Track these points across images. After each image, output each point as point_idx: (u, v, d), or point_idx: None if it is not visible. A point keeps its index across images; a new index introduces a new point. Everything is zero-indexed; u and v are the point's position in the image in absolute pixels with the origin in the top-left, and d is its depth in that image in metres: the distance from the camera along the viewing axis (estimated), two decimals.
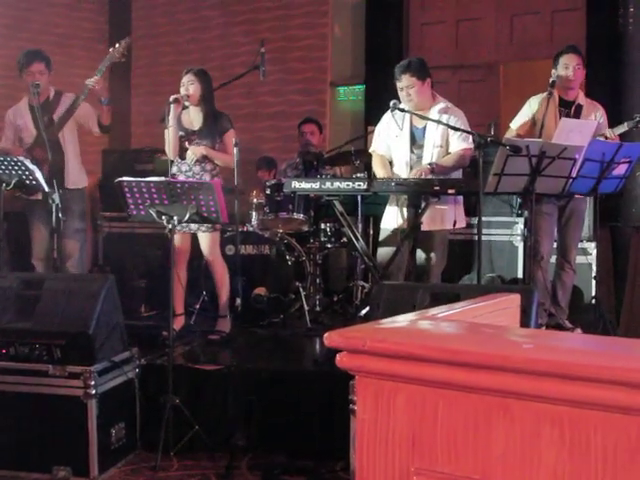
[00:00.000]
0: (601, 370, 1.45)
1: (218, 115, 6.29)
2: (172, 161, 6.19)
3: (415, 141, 5.90)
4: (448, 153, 5.86)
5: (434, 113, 5.84)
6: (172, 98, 6.04)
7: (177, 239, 6.16)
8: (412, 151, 5.88)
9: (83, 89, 6.40)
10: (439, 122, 5.74)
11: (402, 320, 1.87)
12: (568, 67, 6.21)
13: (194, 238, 6.29)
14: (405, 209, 5.83)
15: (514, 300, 2.37)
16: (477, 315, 2.09)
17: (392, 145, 5.98)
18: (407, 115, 5.86)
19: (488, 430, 1.57)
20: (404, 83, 5.78)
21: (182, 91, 6.16)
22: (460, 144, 5.83)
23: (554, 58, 6.34)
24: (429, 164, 5.72)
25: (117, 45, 6.39)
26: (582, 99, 6.33)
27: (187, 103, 6.21)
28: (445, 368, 1.57)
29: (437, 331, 1.78)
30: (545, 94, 6.33)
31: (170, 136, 6.15)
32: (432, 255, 5.88)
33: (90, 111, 6.64)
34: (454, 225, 5.85)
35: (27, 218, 6.77)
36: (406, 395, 1.65)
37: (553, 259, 6.44)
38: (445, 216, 5.82)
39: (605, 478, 1.47)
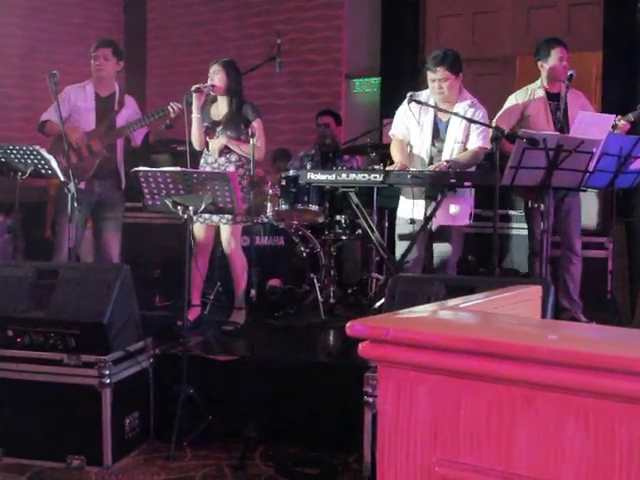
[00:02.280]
0: (627, 361, 1.44)
1: (243, 105, 6.25)
2: (201, 152, 6.23)
3: (438, 134, 5.86)
4: (466, 149, 5.83)
5: (460, 108, 5.79)
6: (194, 87, 6.01)
7: (199, 231, 6.17)
8: (433, 144, 5.85)
9: (163, 108, 6.33)
10: (463, 117, 5.70)
11: (425, 310, 1.85)
12: (562, 59, 6.19)
13: (217, 230, 6.29)
14: (421, 201, 5.80)
15: (535, 292, 2.36)
16: (498, 306, 2.08)
17: (413, 132, 5.93)
18: (431, 108, 5.82)
19: (512, 421, 1.56)
20: (439, 75, 5.70)
21: (209, 81, 6.15)
22: (477, 142, 5.79)
23: (539, 51, 6.30)
24: (446, 161, 5.68)
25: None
26: (564, 89, 6.26)
27: (213, 94, 6.19)
28: (469, 358, 1.56)
29: (460, 321, 1.77)
30: (530, 87, 6.36)
31: (194, 126, 6.13)
32: (448, 247, 5.86)
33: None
34: (470, 218, 5.85)
35: (57, 209, 6.73)
36: (429, 385, 1.63)
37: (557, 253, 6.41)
38: (460, 212, 5.79)
39: (630, 470, 1.46)
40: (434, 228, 5.82)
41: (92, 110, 6.48)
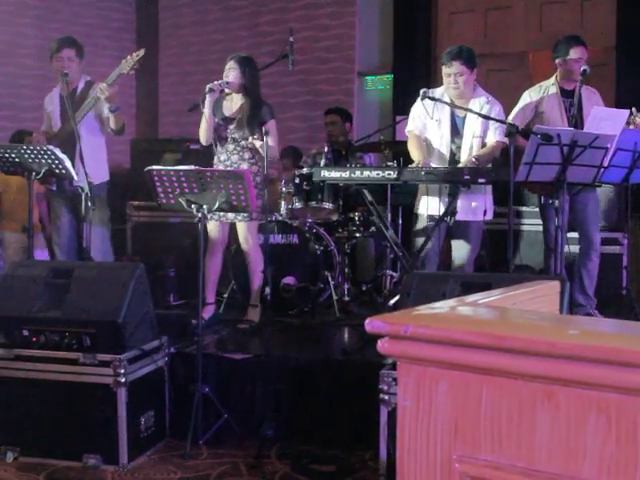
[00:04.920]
0: None
1: (260, 105, 6.23)
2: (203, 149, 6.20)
3: (457, 131, 5.86)
4: (484, 144, 5.82)
5: (475, 104, 5.80)
6: (207, 88, 5.97)
7: (213, 229, 6.16)
8: (453, 141, 5.84)
9: (93, 96, 6.28)
10: (479, 114, 5.69)
11: (444, 306, 1.84)
12: (580, 59, 6.14)
13: (231, 228, 6.29)
14: (443, 197, 5.78)
15: (553, 287, 2.34)
16: (516, 302, 2.06)
17: (431, 128, 5.93)
18: (448, 102, 5.82)
19: (533, 417, 1.55)
20: (454, 70, 5.72)
21: (224, 77, 6.11)
22: (495, 136, 5.80)
23: (557, 47, 6.25)
24: (474, 157, 5.67)
25: (129, 57, 6.23)
26: (579, 86, 6.23)
27: (227, 90, 6.16)
28: (489, 354, 1.55)
29: (480, 317, 1.75)
30: (544, 84, 6.32)
31: (203, 122, 6.11)
32: (467, 244, 5.85)
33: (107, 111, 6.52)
34: (485, 214, 5.83)
35: (49, 205, 6.88)
36: (449, 381, 1.62)
37: (575, 248, 6.37)
38: (480, 207, 5.78)
39: None
40: (452, 224, 5.81)
41: (57, 111, 6.49)
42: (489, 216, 5.92)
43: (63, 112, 6.43)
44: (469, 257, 5.89)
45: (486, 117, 5.69)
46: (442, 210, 5.76)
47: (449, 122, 5.86)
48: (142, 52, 6.18)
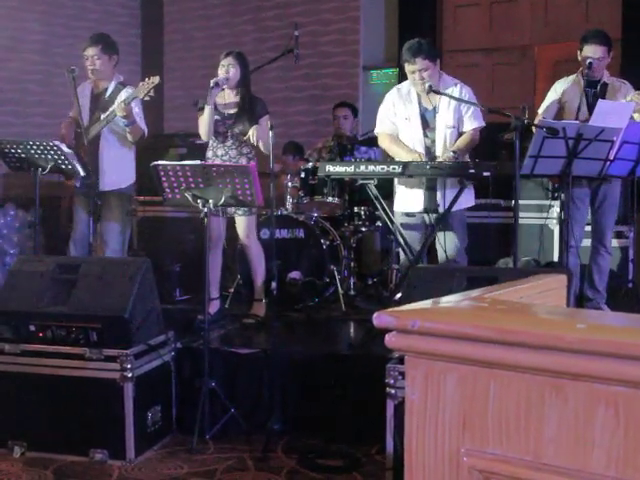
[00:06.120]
0: None
1: (254, 100, 6.23)
2: (207, 144, 6.15)
3: (427, 124, 5.82)
4: (461, 133, 5.80)
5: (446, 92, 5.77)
6: (213, 82, 5.96)
7: (211, 223, 6.14)
8: (426, 135, 5.79)
9: (111, 113, 6.19)
10: (459, 99, 5.67)
11: (451, 300, 1.84)
12: (590, 57, 6.09)
13: (229, 222, 6.28)
14: (421, 191, 5.76)
15: (561, 281, 2.34)
16: (524, 296, 2.06)
17: (402, 127, 5.89)
18: (415, 97, 5.79)
19: (541, 411, 1.55)
20: (419, 66, 5.59)
21: (221, 73, 6.10)
22: (472, 124, 5.76)
23: (580, 40, 6.23)
24: (453, 152, 5.64)
25: (146, 80, 6.15)
26: (607, 77, 6.21)
27: (225, 86, 6.16)
28: (497, 348, 1.54)
29: (488, 311, 1.75)
30: (572, 75, 6.28)
31: (206, 116, 6.08)
32: (454, 235, 5.82)
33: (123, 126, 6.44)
34: (465, 203, 5.82)
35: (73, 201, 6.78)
36: (457, 375, 1.62)
37: (587, 242, 6.36)
38: (461, 197, 5.74)
39: None
40: (435, 217, 5.78)
41: (87, 106, 6.40)
42: (469, 204, 5.88)
43: (92, 110, 6.38)
44: (459, 248, 5.84)
45: (466, 102, 5.67)
46: (421, 204, 5.76)
47: (419, 117, 5.81)
48: (157, 79, 6.08)
